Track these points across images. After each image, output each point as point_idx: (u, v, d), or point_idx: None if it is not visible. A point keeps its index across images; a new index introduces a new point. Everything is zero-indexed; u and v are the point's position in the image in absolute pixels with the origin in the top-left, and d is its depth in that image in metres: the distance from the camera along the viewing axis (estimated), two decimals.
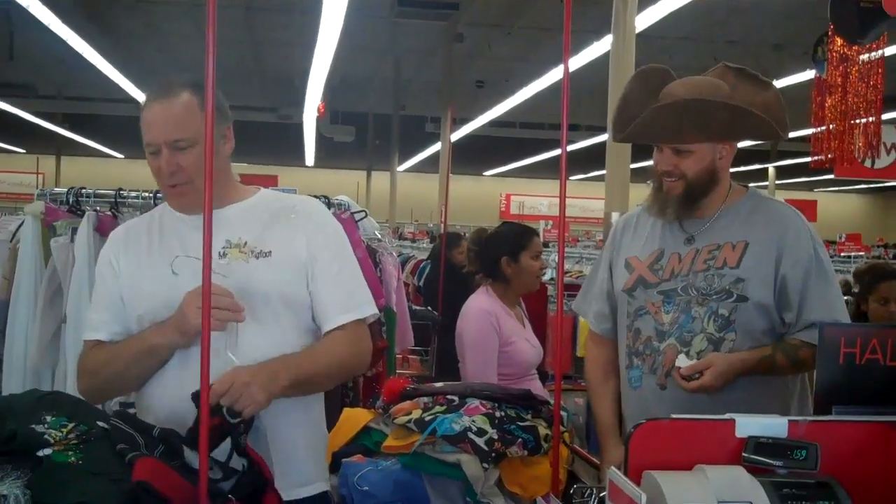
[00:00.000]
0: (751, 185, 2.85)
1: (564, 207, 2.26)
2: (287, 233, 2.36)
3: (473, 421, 2.83)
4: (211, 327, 1.98)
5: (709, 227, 2.70)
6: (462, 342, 4.04)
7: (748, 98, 2.63)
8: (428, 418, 2.86)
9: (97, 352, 2.34)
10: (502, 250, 4.12)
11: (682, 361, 2.55)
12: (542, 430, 2.91)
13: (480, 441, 2.77)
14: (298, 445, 2.37)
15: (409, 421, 2.88)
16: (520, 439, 2.84)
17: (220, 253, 2.27)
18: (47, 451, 1.85)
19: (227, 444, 2.04)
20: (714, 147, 2.65)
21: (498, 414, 2.90)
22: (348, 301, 2.39)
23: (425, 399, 3.00)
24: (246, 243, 2.30)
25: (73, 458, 1.85)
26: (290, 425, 2.33)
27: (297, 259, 2.33)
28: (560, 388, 2.57)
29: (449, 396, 2.99)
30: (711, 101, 2.58)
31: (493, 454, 2.77)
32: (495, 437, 2.80)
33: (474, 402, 2.94)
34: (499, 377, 3.89)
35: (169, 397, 2.23)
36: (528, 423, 2.92)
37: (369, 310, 2.44)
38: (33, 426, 1.92)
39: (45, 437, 1.89)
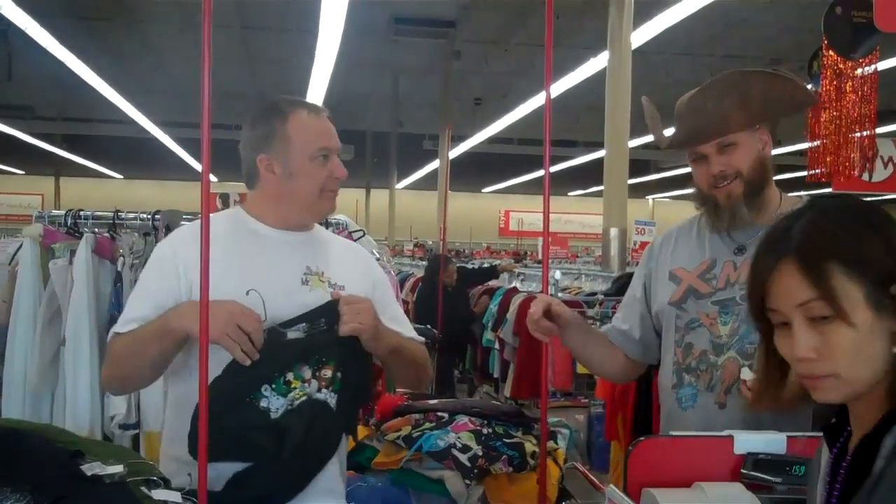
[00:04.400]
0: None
1: (548, 224, 2.31)
2: (355, 270, 2.46)
3: (459, 437, 2.85)
4: (226, 344, 2.07)
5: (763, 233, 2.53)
6: None
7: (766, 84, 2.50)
8: (416, 434, 2.88)
9: (122, 340, 2.28)
10: None
11: (747, 374, 2.29)
12: (530, 446, 2.90)
13: (464, 457, 2.78)
14: None
15: (398, 437, 2.90)
16: (505, 456, 2.83)
17: (302, 279, 2.33)
18: None
19: None
20: (755, 135, 2.50)
21: (485, 431, 2.91)
22: (413, 333, 2.57)
23: (416, 416, 3.02)
24: (323, 272, 2.37)
25: None
26: None
27: (364, 295, 2.39)
28: (546, 405, 2.57)
29: (439, 413, 3.00)
30: (746, 71, 2.46)
31: (476, 470, 2.77)
32: (479, 453, 2.80)
33: (463, 419, 2.95)
34: None
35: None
36: (515, 440, 2.92)
37: (421, 339, 2.61)
38: None
39: None
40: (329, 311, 2.21)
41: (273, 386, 2.14)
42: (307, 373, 2.17)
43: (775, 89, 2.46)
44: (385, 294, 2.54)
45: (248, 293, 2.18)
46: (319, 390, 2.18)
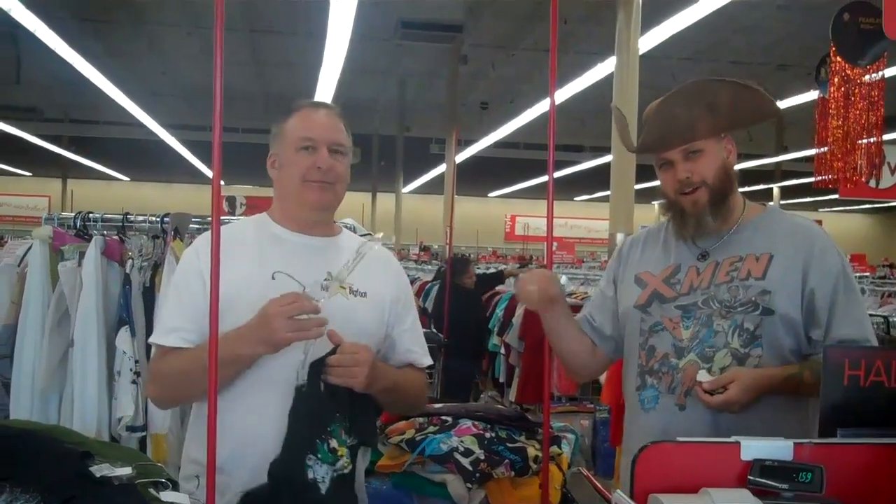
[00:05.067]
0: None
1: (552, 229, 2.33)
2: (379, 277, 2.47)
3: (462, 441, 2.86)
4: (297, 338, 2.11)
5: (726, 240, 2.54)
6: None
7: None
8: (419, 438, 2.89)
9: (172, 358, 2.31)
10: None
11: (704, 376, 2.36)
12: (533, 451, 2.91)
13: (466, 461, 2.79)
14: None
15: (401, 441, 2.91)
16: (507, 460, 2.84)
17: (322, 285, 2.31)
18: None
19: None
20: (721, 144, 2.54)
21: (488, 435, 2.92)
22: (424, 349, 2.58)
23: (420, 419, 3.03)
24: (345, 279, 2.35)
25: None
26: None
27: (385, 303, 2.46)
28: (549, 410, 2.57)
29: (443, 417, 3.01)
30: (713, 80, 2.49)
31: (478, 474, 2.78)
32: (482, 457, 2.81)
33: (467, 423, 2.96)
34: None
35: (233, 432, 2.21)
36: (517, 445, 2.92)
37: (429, 360, 2.62)
38: None
39: None
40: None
41: (319, 455, 2.14)
42: (344, 435, 2.19)
43: (742, 99, 2.49)
44: (407, 303, 2.55)
45: (273, 276, 2.24)
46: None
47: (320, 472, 2.14)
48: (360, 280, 2.38)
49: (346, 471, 2.19)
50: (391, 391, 2.34)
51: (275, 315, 2.09)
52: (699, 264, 2.55)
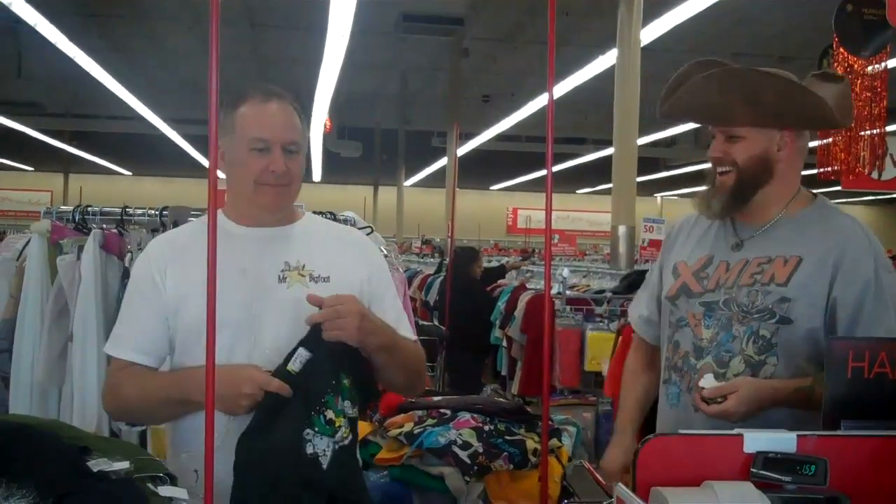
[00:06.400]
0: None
1: (550, 222, 2.31)
2: (344, 258, 2.37)
3: (460, 434, 2.85)
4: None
5: (763, 233, 2.46)
6: None
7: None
8: (417, 431, 2.88)
9: (128, 378, 2.27)
10: None
11: (708, 382, 2.30)
12: (532, 444, 2.90)
13: (464, 454, 2.78)
14: None
15: (400, 434, 2.90)
16: (505, 453, 2.84)
17: (279, 277, 2.27)
18: None
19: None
20: (770, 135, 2.42)
21: (487, 428, 2.91)
22: (407, 326, 2.45)
23: (419, 412, 3.02)
24: (304, 266, 2.30)
25: None
26: None
27: (354, 284, 2.32)
28: (548, 402, 2.56)
29: (442, 410, 3.00)
30: (760, 72, 2.38)
31: (476, 467, 2.78)
32: (480, 450, 2.81)
33: (465, 416, 2.95)
34: None
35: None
36: (516, 438, 2.91)
37: (414, 336, 2.50)
38: None
39: None
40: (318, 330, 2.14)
41: (316, 428, 2.10)
42: (341, 404, 2.14)
43: (790, 101, 2.40)
44: (381, 284, 2.42)
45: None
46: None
47: (320, 446, 2.09)
48: (322, 265, 2.31)
49: (346, 442, 2.14)
50: (390, 349, 2.26)
51: (247, 395, 2.07)
52: (732, 256, 2.49)
